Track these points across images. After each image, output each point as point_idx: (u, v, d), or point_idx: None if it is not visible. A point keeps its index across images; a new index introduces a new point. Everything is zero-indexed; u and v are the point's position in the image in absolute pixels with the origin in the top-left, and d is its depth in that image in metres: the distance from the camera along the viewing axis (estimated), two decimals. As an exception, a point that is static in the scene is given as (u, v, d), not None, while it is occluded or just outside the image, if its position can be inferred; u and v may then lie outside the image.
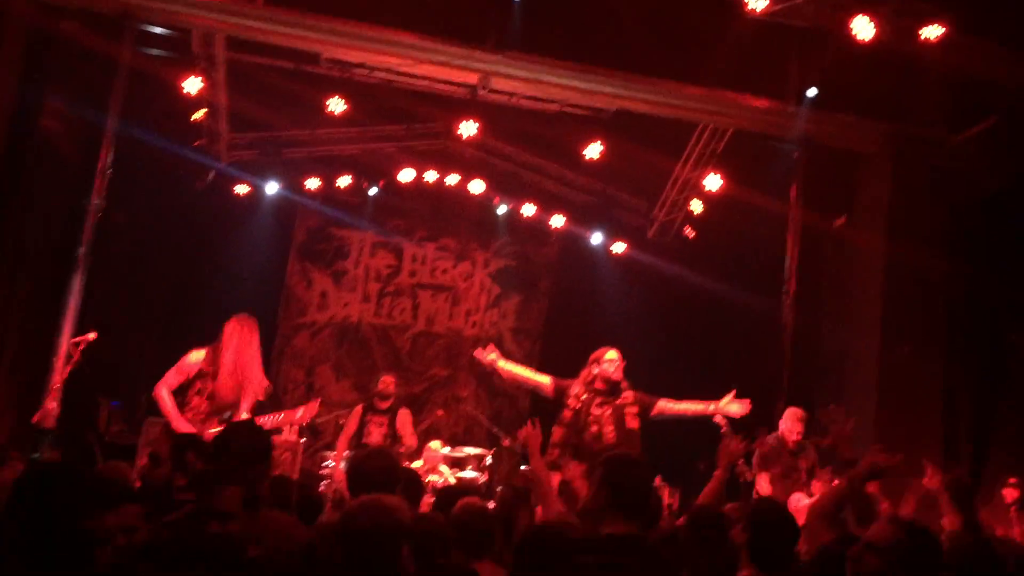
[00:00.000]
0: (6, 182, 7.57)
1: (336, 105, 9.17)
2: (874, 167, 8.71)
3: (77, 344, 7.01)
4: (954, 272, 8.22)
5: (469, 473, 8.92)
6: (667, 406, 6.56)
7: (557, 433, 6.36)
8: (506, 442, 9.31)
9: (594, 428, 6.28)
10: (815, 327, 8.80)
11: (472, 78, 8.71)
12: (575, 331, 11.38)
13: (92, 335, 7.01)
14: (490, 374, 11.54)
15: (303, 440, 8.59)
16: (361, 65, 8.92)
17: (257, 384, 6.56)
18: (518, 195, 11.15)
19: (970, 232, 8.32)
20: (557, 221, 11.17)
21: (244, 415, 6.56)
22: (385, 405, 7.91)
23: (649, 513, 3.34)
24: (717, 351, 10.27)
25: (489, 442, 9.82)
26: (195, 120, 9.36)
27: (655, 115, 8.76)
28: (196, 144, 9.82)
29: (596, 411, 6.33)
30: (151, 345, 9.19)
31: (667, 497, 8.43)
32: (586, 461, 6.06)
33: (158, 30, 8.18)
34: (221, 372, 6.39)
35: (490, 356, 6.66)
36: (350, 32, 7.96)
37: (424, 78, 8.95)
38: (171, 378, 6.39)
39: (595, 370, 6.44)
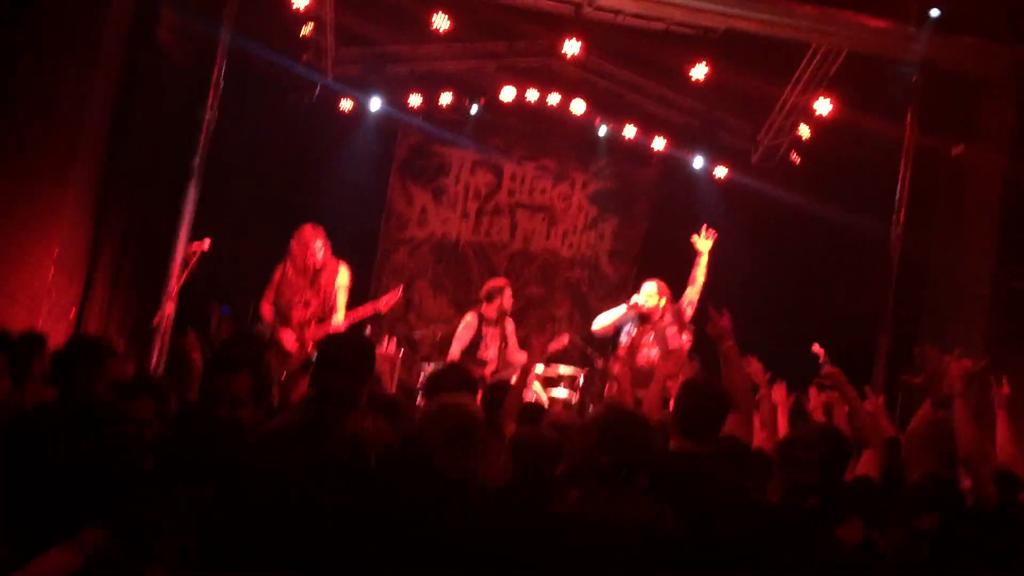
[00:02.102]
0: (125, 93, 7.83)
1: (440, 21, 9.15)
2: (998, 93, 8.31)
3: (193, 252, 7.33)
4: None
5: (561, 392, 9.05)
6: (688, 295, 7.17)
7: (615, 367, 6.69)
8: (599, 363, 9.38)
9: (643, 353, 6.77)
10: (925, 256, 8.56)
11: (578, -6, 8.58)
12: (673, 256, 11.31)
13: (206, 243, 7.33)
14: (585, 295, 11.67)
15: (401, 352, 8.82)
16: (466, -22, 8.86)
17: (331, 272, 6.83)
18: (620, 116, 11.01)
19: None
20: (658, 143, 11.01)
21: (339, 313, 6.87)
22: (496, 315, 7.67)
23: (715, 436, 3.49)
24: (823, 279, 10.08)
25: (582, 362, 9.91)
26: (303, 35, 9.48)
27: (766, 35, 8.52)
28: (304, 59, 9.97)
29: (642, 339, 6.82)
30: (260, 254, 9.48)
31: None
32: (641, 387, 6.36)
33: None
34: (293, 275, 6.74)
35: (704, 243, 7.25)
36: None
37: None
38: (269, 294, 6.81)
39: (635, 300, 6.99)
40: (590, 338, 10.79)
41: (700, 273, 7.20)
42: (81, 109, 7.32)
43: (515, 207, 11.69)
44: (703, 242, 7.19)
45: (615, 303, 11.62)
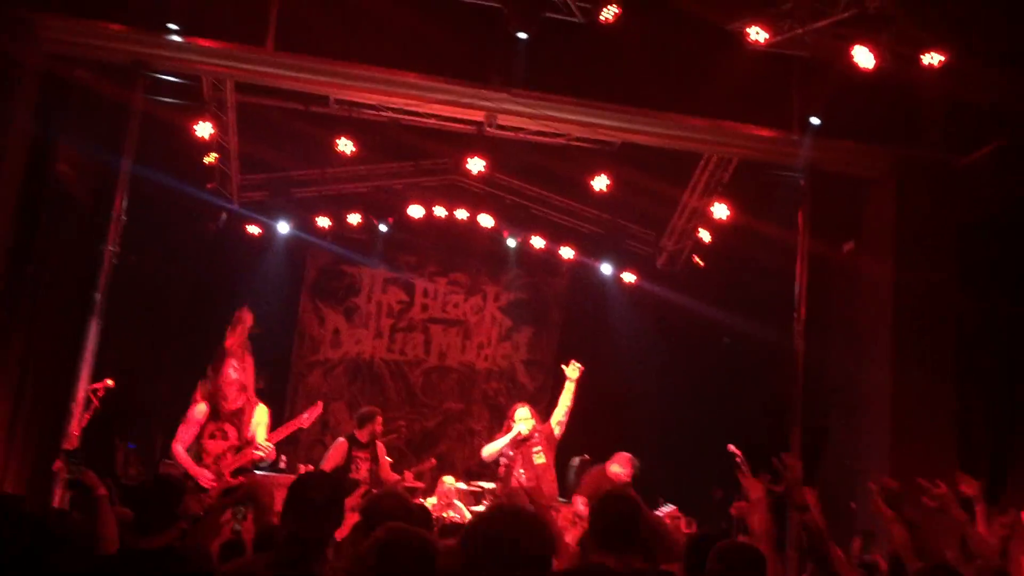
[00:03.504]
0: (22, 227, 7.68)
1: (345, 145, 9.29)
2: (880, 192, 8.75)
3: (95, 391, 7.08)
4: (964, 294, 8.24)
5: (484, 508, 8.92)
6: (556, 415, 7.74)
7: (499, 488, 7.73)
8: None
9: (516, 474, 7.40)
10: (825, 353, 8.82)
11: (478, 115, 8.83)
12: (588, 362, 11.41)
13: (110, 382, 7.09)
14: (503, 406, 11.64)
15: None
16: (369, 105, 9.05)
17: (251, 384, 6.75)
18: (527, 228, 11.24)
19: (979, 254, 8.34)
20: (567, 253, 11.24)
21: (258, 432, 6.69)
22: (367, 439, 7.88)
23: (639, 546, 3.47)
24: (727, 379, 10.29)
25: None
26: (207, 163, 9.49)
27: (660, 147, 8.86)
28: (208, 187, 9.96)
29: (515, 462, 7.47)
30: (166, 387, 9.27)
31: (684, 527, 8.43)
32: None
33: (169, 78, 8.34)
34: (223, 387, 6.59)
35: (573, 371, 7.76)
36: (358, 74, 8.07)
37: (431, 116, 9.08)
38: (183, 433, 6.60)
39: (512, 425, 7.58)
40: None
41: (567, 398, 7.79)
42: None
43: (429, 322, 11.70)
44: (571, 371, 7.86)
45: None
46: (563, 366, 7.95)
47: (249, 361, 6.92)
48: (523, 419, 7.62)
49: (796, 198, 8.67)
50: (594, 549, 3.44)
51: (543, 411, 11.32)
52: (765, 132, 8.53)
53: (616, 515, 3.42)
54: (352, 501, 7.39)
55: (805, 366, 8.31)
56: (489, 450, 7.75)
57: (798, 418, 8.31)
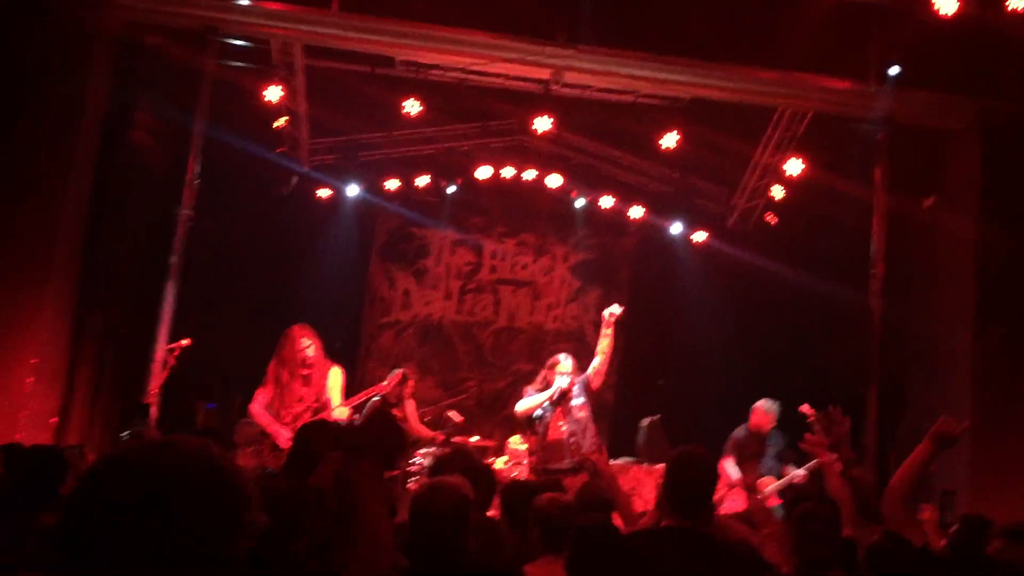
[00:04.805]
0: (101, 193, 7.88)
1: (412, 106, 9.28)
2: (963, 145, 8.41)
3: (172, 350, 7.28)
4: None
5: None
6: (594, 365, 7.31)
7: (531, 442, 7.38)
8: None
9: (556, 426, 7.08)
10: (904, 313, 8.57)
11: (545, 73, 8.71)
12: (657, 322, 11.34)
13: (186, 341, 7.29)
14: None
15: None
16: (435, 66, 9.01)
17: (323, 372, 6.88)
18: (595, 187, 11.13)
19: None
20: (635, 212, 11.11)
21: (333, 395, 6.84)
22: (396, 400, 8.08)
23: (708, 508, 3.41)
24: (801, 339, 10.09)
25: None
26: (277, 127, 9.59)
27: (731, 101, 8.65)
28: (279, 151, 10.07)
29: (555, 413, 7.14)
30: (243, 348, 9.45)
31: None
32: (555, 460, 7.05)
33: (239, 42, 8.43)
34: (283, 373, 6.76)
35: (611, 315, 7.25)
36: (423, 34, 8.04)
37: (497, 75, 8.99)
38: (261, 395, 6.78)
39: (547, 376, 7.25)
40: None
41: (606, 345, 7.33)
42: (56, 215, 7.36)
43: (497, 284, 11.72)
44: (610, 314, 7.30)
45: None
46: (604, 311, 7.41)
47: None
48: (566, 371, 7.27)
49: (873, 152, 8.41)
50: (667, 512, 3.39)
51: (610, 371, 11.30)
52: (841, 84, 8.26)
53: (688, 478, 3.36)
54: None
55: (883, 326, 8.09)
56: (526, 405, 7.33)
57: (875, 378, 8.13)
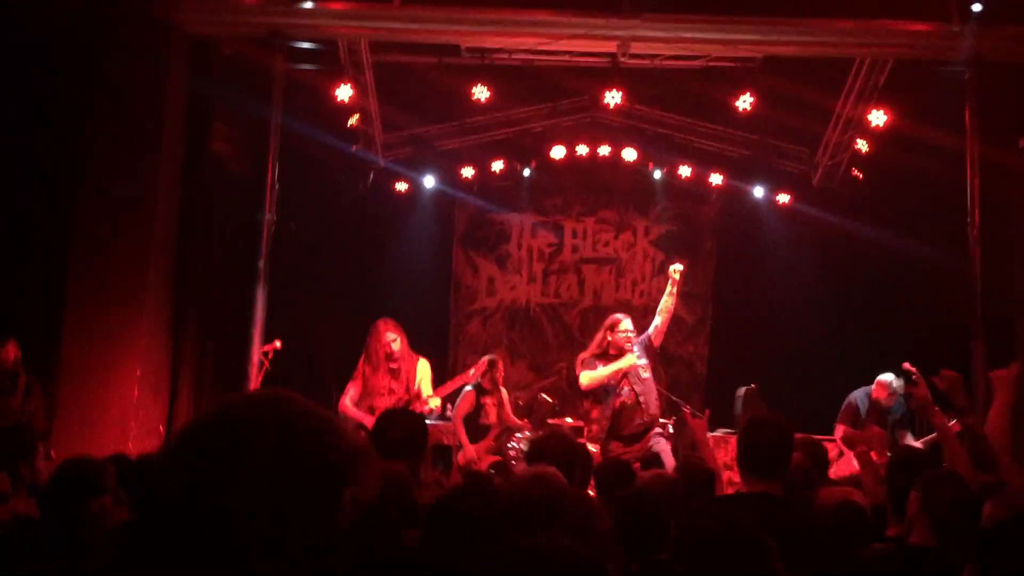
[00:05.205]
0: (188, 202, 8.10)
1: (480, 92, 9.26)
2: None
3: (266, 353, 7.46)
4: None
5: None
6: (656, 323, 7.23)
7: (595, 410, 7.23)
8: (687, 409, 9.17)
9: (622, 393, 6.97)
10: (1004, 265, 8.20)
11: (611, 46, 8.60)
12: (746, 289, 11.13)
13: (278, 343, 7.46)
14: (663, 342, 11.51)
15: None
16: (501, 50, 8.98)
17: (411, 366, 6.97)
18: (672, 157, 10.94)
19: None
20: (716, 179, 10.89)
21: (427, 395, 6.93)
22: (491, 386, 8.04)
23: (786, 473, 3.35)
24: (901, 293, 9.76)
25: (669, 410, 9.71)
26: (351, 126, 9.70)
27: (806, 56, 8.40)
28: (354, 148, 10.19)
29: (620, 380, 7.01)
30: (332, 345, 9.63)
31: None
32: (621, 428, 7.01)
33: (307, 45, 8.54)
34: (372, 368, 6.87)
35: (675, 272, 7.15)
36: (486, 19, 8.03)
37: (564, 53, 8.91)
38: (351, 389, 6.92)
39: (608, 337, 7.06)
40: (674, 385, 10.62)
41: (669, 302, 7.20)
42: (148, 226, 7.59)
43: (580, 263, 11.66)
44: (674, 271, 7.17)
45: (693, 347, 11.52)
46: (670, 268, 7.27)
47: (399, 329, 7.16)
48: (627, 330, 7.05)
49: (961, 94, 8.04)
50: (744, 475, 3.36)
51: (709, 343, 11.12)
52: (921, 27, 7.93)
53: (762, 441, 3.34)
54: (487, 444, 7.74)
55: (983, 279, 7.75)
56: (594, 376, 7.07)
57: (979, 334, 7.80)
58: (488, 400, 8.03)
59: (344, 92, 8.92)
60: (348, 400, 6.98)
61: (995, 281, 8.05)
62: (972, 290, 7.82)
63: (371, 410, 7.00)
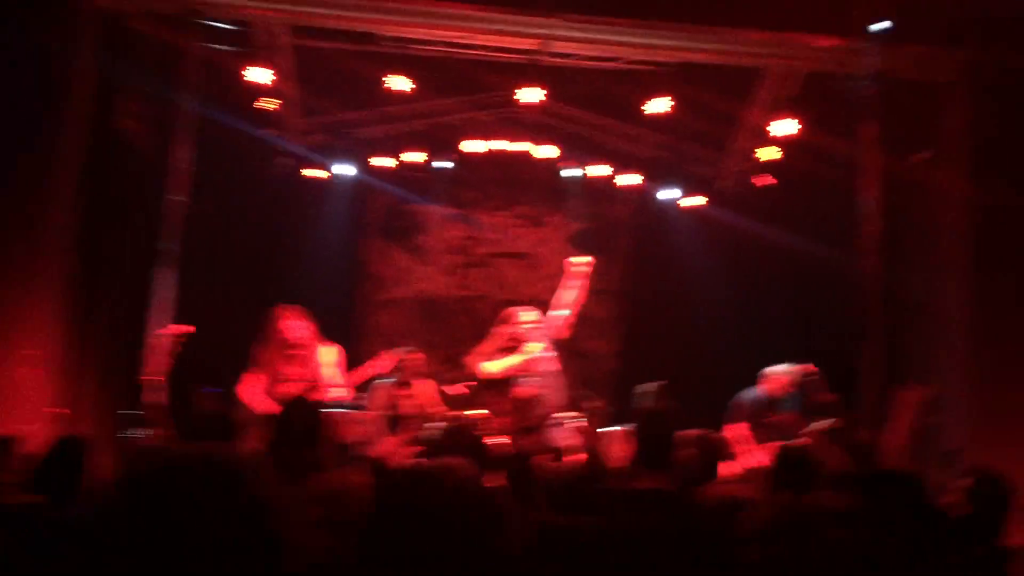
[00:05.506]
0: (92, 179, 7.86)
1: (397, 82, 9.24)
2: (954, 98, 8.36)
3: (178, 337, 7.33)
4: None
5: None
6: (563, 317, 7.49)
7: (499, 402, 7.50)
8: (598, 403, 9.31)
9: (523, 384, 7.17)
10: (900, 271, 8.55)
11: (531, 43, 8.66)
12: (659, 289, 11.34)
13: (191, 328, 7.34)
14: (575, 337, 11.65)
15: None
16: (419, 40, 8.96)
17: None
18: (588, 156, 11.09)
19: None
20: (630, 179, 11.08)
21: (330, 372, 6.88)
22: (405, 379, 8.09)
23: (669, 467, 3.48)
24: (799, 301, 10.09)
25: (576, 404, 9.84)
26: (265, 109, 9.54)
27: (719, 64, 8.59)
28: (269, 132, 10.04)
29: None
30: (241, 330, 9.48)
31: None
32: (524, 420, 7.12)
33: (223, 24, 8.38)
34: (272, 354, 6.80)
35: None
36: (401, 8, 8.00)
37: (483, 48, 8.94)
38: (247, 378, 6.85)
39: (507, 331, 7.40)
40: (590, 380, 10.75)
41: (577, 295, 7.50)
42: (44, 205, 7.34)
43: (495, 257, 11.71)
44: (578, 264, 7.46)
45: (605, 343, 11.68)
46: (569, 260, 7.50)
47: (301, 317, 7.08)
48: (530, 324, 7.23)
49: (866, 108, 8.33)
50: (637, 471, 3.46)
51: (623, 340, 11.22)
52: (829, 41, 8.20)
53: (651, 437, 3.44)
54: (405, 435, 7.76)
55: (877, 284, 8.06)
56: (496, 367, 7.26)
57: (873, 337, 8.10)
58: (401, 392, 8.02)
59: (260, 74, 8.78)
60: (246, 388, 6.88)
61: (894, 288, 8.38)
62: (865, 297, 8.12)
63: (274, 397, 6.92)
